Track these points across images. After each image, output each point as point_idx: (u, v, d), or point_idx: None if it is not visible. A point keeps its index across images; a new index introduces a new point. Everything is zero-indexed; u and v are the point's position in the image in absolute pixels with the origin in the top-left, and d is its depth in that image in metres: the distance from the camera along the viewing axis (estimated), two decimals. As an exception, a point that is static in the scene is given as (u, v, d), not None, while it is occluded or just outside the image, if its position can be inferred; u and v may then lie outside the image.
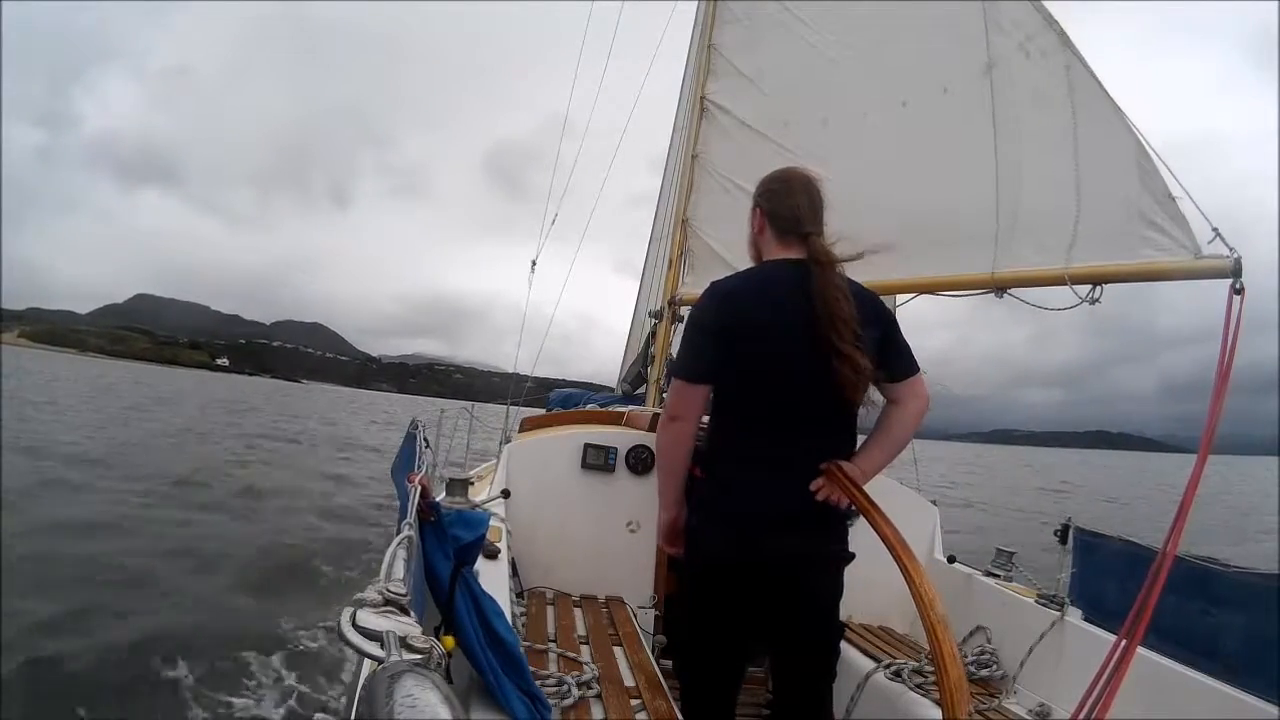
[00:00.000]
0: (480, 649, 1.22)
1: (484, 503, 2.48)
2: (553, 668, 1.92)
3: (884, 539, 1.55)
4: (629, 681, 1.92)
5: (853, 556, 1.70)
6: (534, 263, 5.65)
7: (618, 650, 2.15)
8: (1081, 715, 1.46)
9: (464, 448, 4.88)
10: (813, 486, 1.59)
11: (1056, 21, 2.28)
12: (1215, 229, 1.87)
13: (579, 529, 2.78)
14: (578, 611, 2.47)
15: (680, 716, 1.73)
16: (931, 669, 2.25)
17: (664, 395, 3.45)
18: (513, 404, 4.98)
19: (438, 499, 1.51)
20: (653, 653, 2.22)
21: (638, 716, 1.72)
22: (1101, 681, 1.46)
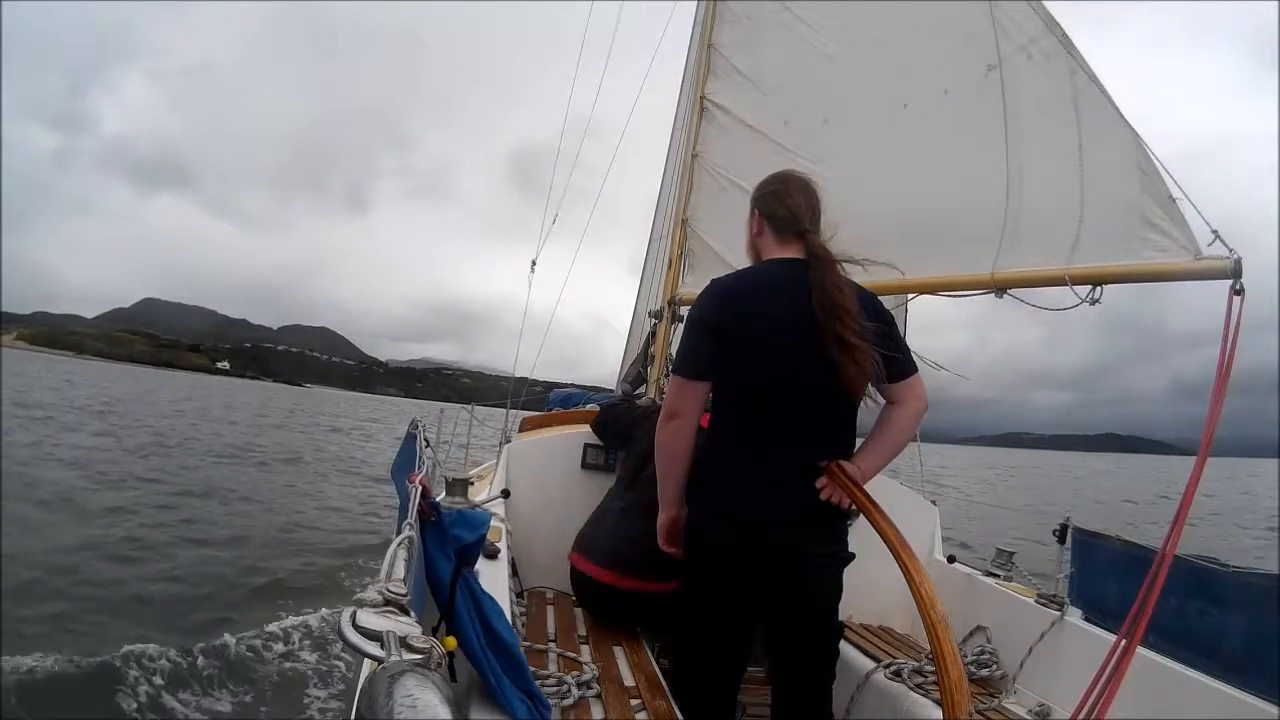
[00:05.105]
0: (480, 649, 1.22)
1: (484, 503, 2.48)
2: (553, 668, 1.92)
3: (885, 539, 1.55)
4: (629, 681, 1.92)
5: (852, 557, 1.70)
6: (534, 263, 5.63)
7: (618, 650, 2.15)
8: (1081, 715, 1.46)
9: (463, 448, 4.86)
10: (818, 485, 1.59)
11: (1058, 24, 2.27)
12: (1214, 231, 1.86)
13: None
14: (578, 611, 2.47)
15: (680, 717, 1.73)
16: (932, 669, 2.25)
17: (664, 395, 3.44)
18: (511, 407, 4.95)
19: (438, 499, 1.51)
20: (653, 653, 2.22)
21: (638, 716, 1.72)
22: (1101, 681, 1.46)
